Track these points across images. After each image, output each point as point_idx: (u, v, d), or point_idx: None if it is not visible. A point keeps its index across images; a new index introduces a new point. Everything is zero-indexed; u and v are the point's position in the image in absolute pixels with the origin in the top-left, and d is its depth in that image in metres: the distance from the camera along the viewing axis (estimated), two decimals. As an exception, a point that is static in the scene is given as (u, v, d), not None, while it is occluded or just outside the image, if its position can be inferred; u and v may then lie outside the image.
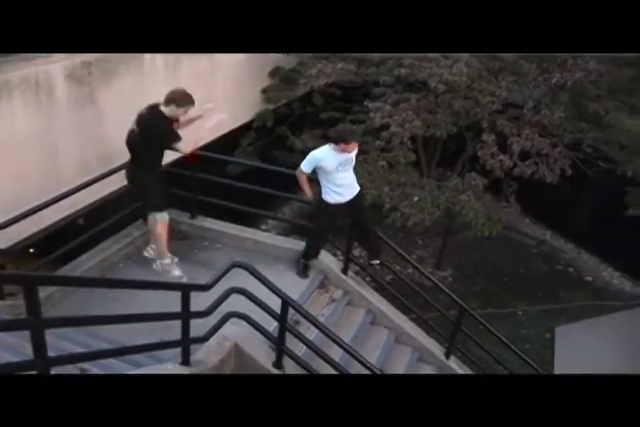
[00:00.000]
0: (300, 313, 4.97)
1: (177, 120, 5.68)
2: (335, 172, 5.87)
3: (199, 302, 4.45)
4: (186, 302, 4.26)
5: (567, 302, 10.86)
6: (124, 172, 6.01)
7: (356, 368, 5.44)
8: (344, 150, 5.76)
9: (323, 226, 6.40)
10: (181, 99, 5.49)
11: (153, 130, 5.51)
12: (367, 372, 5.38)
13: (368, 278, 8.07)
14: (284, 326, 4.94)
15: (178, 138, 5.50)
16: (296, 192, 10.16)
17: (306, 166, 5.92)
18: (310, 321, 4.97)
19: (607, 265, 12.03)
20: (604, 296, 11.17)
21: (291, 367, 5.32)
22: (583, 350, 9.70)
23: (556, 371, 9.10)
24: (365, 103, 8.68)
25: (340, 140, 5.75)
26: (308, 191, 6.25)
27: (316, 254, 6.61)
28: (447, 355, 6.94)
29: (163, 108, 5.51)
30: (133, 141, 5.61)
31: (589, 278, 11.79)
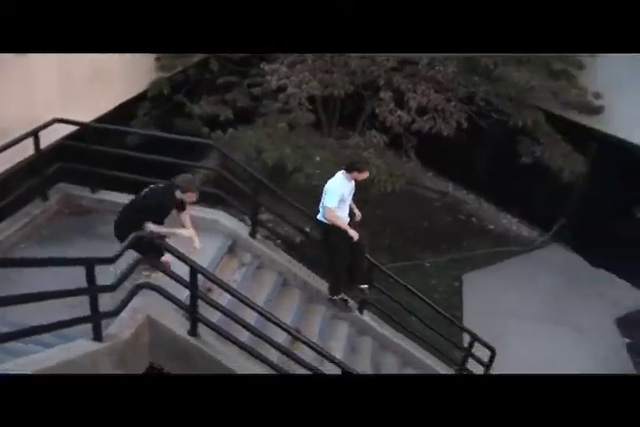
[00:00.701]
0: (209, 279, 4.98)
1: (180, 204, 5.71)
2: (346, 199, 6.22)
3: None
4: (91, 276, 4.19)
5: (472, 251, 11.30)
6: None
7: (272, 330, 5.53)
8: (355, 178, 6.10)
9: (338, 250, 6.44)
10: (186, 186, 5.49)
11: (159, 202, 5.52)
12: (283, 333, 5.50)
13: (279, 241, 8.16)
14: (195, 294, 4.94)
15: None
16: (199, 159, 10.10)
17: (334, 201, 6.12)
18: (221, 286, 5.00)
19: (506, 213, 12.56)
20: (504, 242, 11.69)
21: (207, 334, 5.35)
22: (489, 293, 10.19)
23: (465, 315, 9.53)
24: (262, 66, 8.59)
25: (353, 169, 6.05)
26: (347, 228, 6.25)
27: (341, 284, 6.75)
28: (360, 310, 7.13)
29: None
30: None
31: (491, 226, 12.29)
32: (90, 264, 4.19)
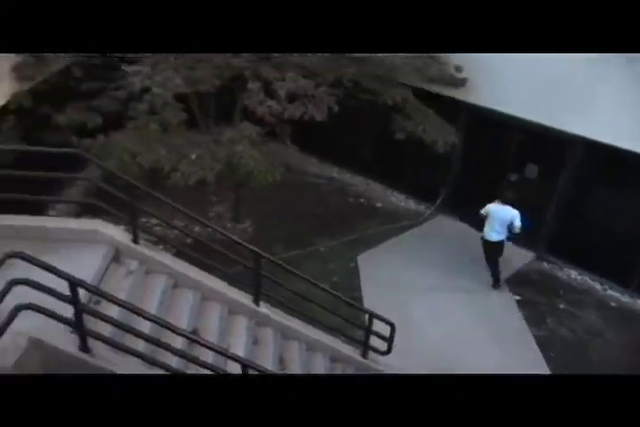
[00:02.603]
0: (89, 290, 4.83)
1: None
2: None
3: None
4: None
5: (364, 231, 11.54)
6: None
7: (169, 334, 5.43)
8: None
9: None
10: None
11: None
12: (178, 338, 5.43)
13: (168, 245, 8.03)
14: (78, 308, 4.77)
15: None
16: (80, 170, 9.77)
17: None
18: (104, 297, 4.86)
19: (393, 190, 12.88)
20: (395, 220, 11.99)
21: (99, 347, 5.19)
22: (386, 270, 10.44)
23: (364, 294, 9.73)
24: (123, 68, 8.38)
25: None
26: None
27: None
28: (256, 302, 7.12)
29: None
30: None
31: (380, 205, 12.59)
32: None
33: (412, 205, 12.55)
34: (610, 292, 10.36)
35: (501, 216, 9.58)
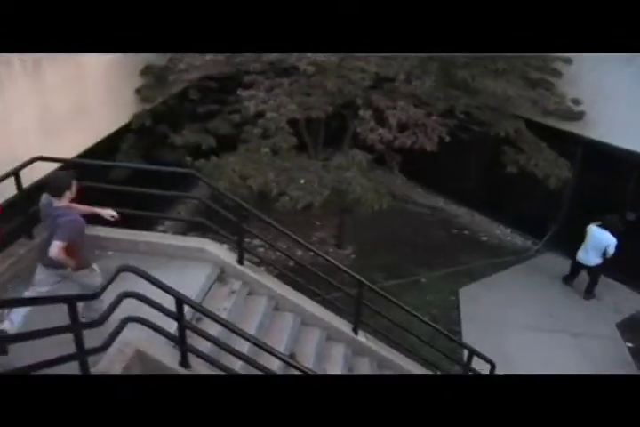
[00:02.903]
0: (194, 308, 4.93)
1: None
2: None
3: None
4: (73, 313, 4.14)
5: (467, 264, 11.27)
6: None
7: (265, 357, 5.46)
8: None
9: None
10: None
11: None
12: (275, 360, 5.45)
13: (271, 267, 8.12)
14: (182, 325, 4.88)
15: None
16: (188, 189, 10.10)
17: None
18: (207, 316, 4.94)
19: (498, 224, 12.55)
20: (499, 254, 11.65)
21: (199, 364, 5.28)
22: (487, 305, 10.12)
23: (463, 329, 9.45)
24: (238, 92, 8.63)
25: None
26: None
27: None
28: (355, 330, 7.07)
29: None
30: None
31: (484, 238, 12.28)
32: (71, 301, 4.15)
33: (518, 240, 12.17)
34: None
35: (598, 239, 9.61)
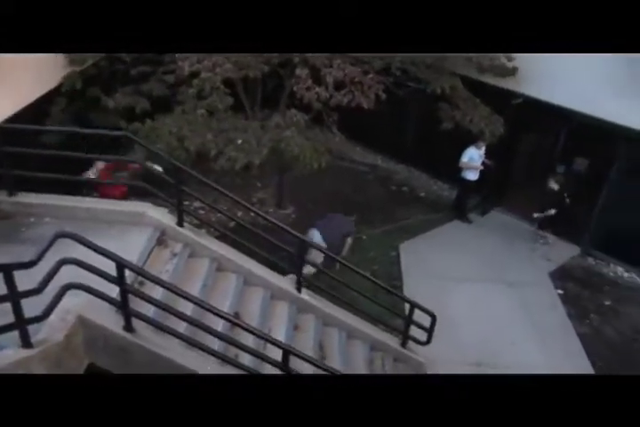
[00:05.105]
0: (135, 272, 4.91)
1: None
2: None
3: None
4: (10, 282, 4.08)
5: (406, 220, 11.48)
6: None
7: (211, 317, 5.50)
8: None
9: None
10: None
11: None
12: (219, 320, 5.49)
13: (212, 229, 8.09)
14: (124, 289, 4.86)
15: None
16: (122, 153, 9.90)
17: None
18: (149, 278, 4.93)
19: (436, 180, 12.77)
20: (437, 209, 11.90)
21: (144, 328, 5.28)
22: (426, 260, 10.38)
23: (405, 283, 9.69)
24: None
25: None
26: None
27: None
28: (298, 289, 7.15)
29: None
30: None
31: (423, 194, 12.50)
32: (7, 270, 4.07)
33: (453, 195, 12.40)
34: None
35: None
